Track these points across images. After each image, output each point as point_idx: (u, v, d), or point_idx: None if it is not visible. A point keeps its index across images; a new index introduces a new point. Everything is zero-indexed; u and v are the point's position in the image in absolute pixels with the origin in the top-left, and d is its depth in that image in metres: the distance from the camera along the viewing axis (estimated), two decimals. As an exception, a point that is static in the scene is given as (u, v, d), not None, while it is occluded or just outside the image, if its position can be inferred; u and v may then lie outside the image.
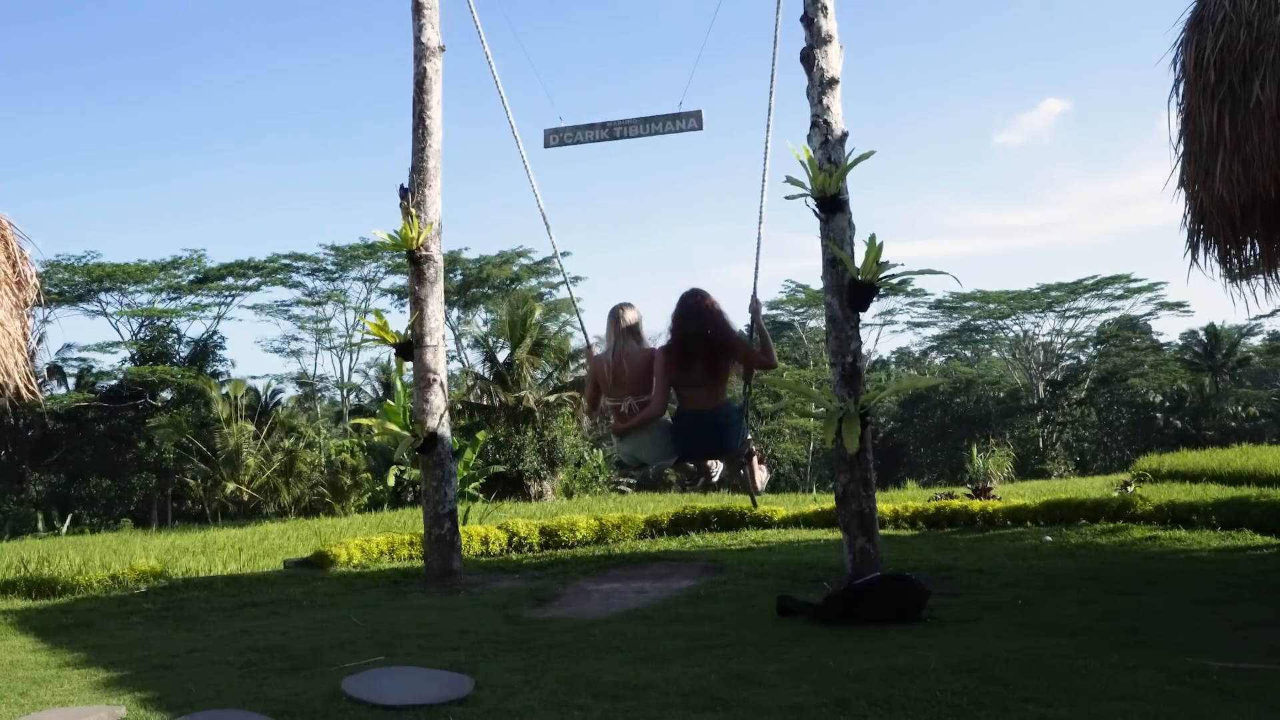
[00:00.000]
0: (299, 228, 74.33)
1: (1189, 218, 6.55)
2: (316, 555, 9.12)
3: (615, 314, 6.83)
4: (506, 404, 27.34)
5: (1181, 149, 6.40)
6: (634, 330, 6.82)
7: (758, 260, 6.88)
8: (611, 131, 7.58)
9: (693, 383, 6.56)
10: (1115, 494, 10.66)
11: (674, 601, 6.38)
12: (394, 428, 7.93)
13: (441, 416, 7.71)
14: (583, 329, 8.14)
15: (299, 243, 72.75)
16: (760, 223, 6.89)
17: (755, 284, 6.88)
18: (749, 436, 7.03)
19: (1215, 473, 14.75)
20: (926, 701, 3.72)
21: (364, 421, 15.10)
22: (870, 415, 6.27)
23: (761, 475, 7.32)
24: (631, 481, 31.24)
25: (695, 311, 6.55)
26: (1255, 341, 47.43)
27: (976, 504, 9.95)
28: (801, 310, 46.77)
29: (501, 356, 29.26)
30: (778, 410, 41.53)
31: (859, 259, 6.27)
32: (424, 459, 7.70)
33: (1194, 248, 6.60)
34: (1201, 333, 45.93)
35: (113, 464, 37.43)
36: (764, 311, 7.05)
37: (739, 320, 6.70)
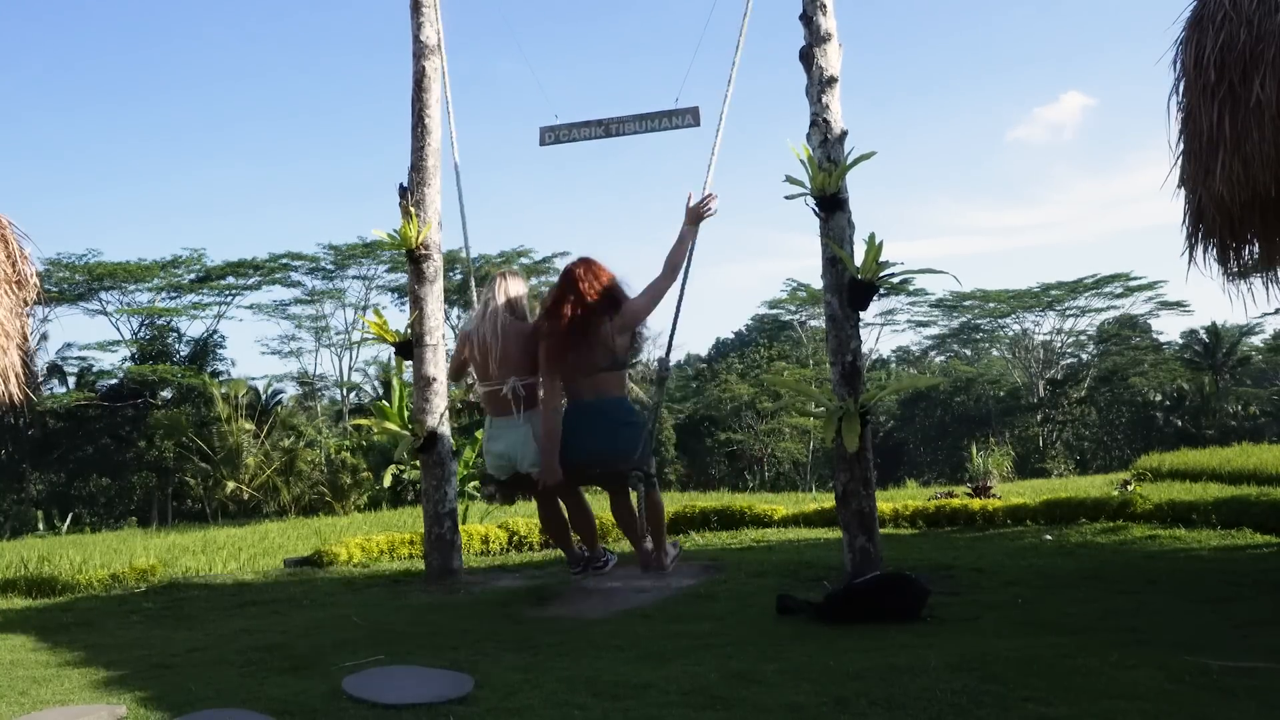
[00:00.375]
0: (298, 227, 74.52)
1: (1188, 217, 6.54)
2: (316, 554, 9.13)
3: (495, 283, 6.13)
4: (506, 403, 27.29)
5: (1181, 148, 6.40)
6: (513, 304, 6.12)
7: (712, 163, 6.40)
8: (608, 129, 7.57)
9: (581, 374, 5.80)
10: (1115, 493, 10.66)
11: (674, 600, 6.37)
12: (393, 427, 7.93)
13: (441, 416, 7.71)
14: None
15: (298, 242, 73.03)
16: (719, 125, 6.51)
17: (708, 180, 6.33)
18: (650, 455, 6.09)
19: (1215, 471, 14.75)
20: (926, 700, 3.72)
21: (363, 421, 15.10)
22: (870, 414, 6.26)
23: (670, 551, 6.33)
24: (631, 480, 31.17)
25: (575, 295, 5.79)
26: (1256, 340, 47.44)
27: (976, 503, 9.94)
28: (801, 309, 46.78)
29: (501, 356, 29.18)
30: (778, 409, 41.54)
31: (859, 258, 6.26)
32: (424, 458, 7.70)
33: (1193, 247, 6.60)
34: (1202, 331, 45.95)
35: (113, 463, 37.45)
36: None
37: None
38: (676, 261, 5.94)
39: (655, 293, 5.92)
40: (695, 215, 6.03)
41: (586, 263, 5.95)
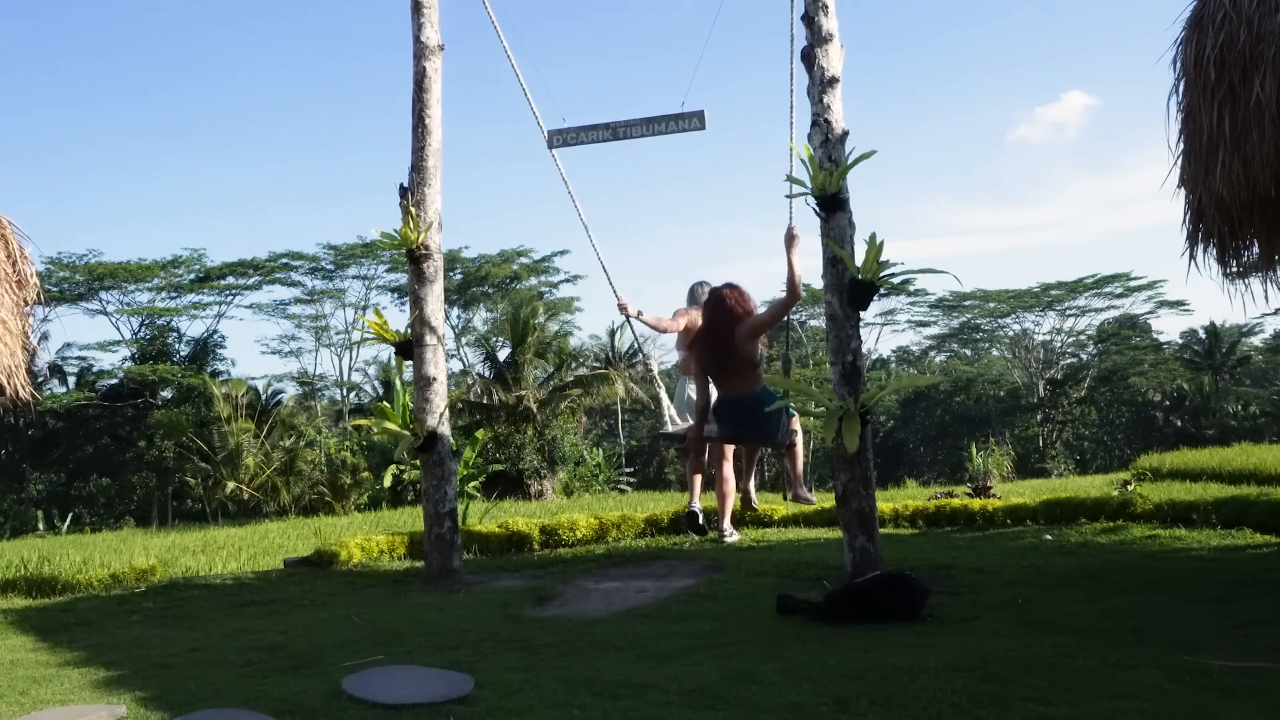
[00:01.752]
0: (298, 227, 74.59)
1: (1188, 217, 6.54)
2: (316, 554, 9.12)
3: (703, 286, 8.36)
4: (506, 403, 27.35)
5: (1181, 148, 6.40)
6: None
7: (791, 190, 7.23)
8: (615, 132, 7.63)
9: (721, 374, 7.47)
10: (1115, 493, 10.65)
11: (674, 600, 6.38)
12: (393, 427, 7.93)
13: (441, 415, 7.71)
14: (613, 289, 8.96)
15: (298, 242, 73.10)
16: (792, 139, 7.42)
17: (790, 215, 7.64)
18: (793, 425, 7.94)
19: (1215, 471, 14.72)
20: (927, 700, 3.72)
21: (363, 422, 15.10)
22: (870, 414, 6.25)
23: (805, 494, 8.43)
24: (632, 481, 31.25)
25: (713, 310, 7.51)
26: (1256, 340, 47.47)
27: (976, 503, 9.92)
28: (801, 309, 46.76)
29: (501, 356, 29.27)
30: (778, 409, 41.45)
31: (859, 258, 6.26)
32: (424, 458, 7.70)
33: (1193, 247, 6.60)
34: (1201, 331, 45.96)
35: (113, 463, 37.47)
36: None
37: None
38: (792, 282, 7.19)
39: (777, 309, 7.81)
40: (788, 239, 7.19)
41: (731, 287, 7.60)
